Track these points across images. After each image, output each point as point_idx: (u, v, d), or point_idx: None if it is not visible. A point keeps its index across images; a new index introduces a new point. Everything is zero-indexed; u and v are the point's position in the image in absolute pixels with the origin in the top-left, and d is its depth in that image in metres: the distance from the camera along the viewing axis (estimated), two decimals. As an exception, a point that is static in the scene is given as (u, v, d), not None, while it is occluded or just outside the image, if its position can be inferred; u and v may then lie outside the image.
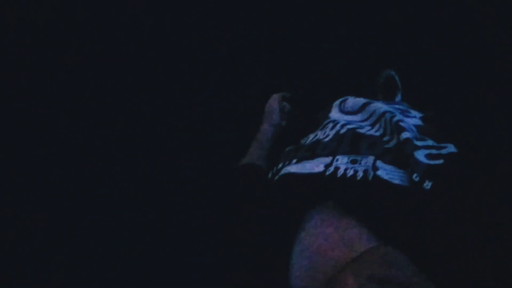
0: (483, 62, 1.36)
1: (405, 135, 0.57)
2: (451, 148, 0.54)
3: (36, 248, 1.46)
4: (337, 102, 0.82)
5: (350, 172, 0.56)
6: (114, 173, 1.50)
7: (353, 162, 0.58)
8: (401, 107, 0.73)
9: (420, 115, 0.72)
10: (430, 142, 0.57)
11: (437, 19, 1.43)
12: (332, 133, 0.68)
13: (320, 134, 0.71)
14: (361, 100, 0.76)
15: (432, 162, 0.51)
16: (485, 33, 1.39)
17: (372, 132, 0.65)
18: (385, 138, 0.62)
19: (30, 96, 1.57)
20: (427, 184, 0.48)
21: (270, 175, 0.69)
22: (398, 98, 1.31)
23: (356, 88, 1.04)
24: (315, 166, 0.60)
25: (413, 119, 0.67)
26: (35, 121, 1.55)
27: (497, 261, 0.38)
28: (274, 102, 0.98)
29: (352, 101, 0.78)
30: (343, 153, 0.60)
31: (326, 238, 0.49)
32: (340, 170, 0.57)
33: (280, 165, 0.69)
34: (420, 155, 0.52)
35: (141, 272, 1.40)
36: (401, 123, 0.60)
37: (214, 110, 1.51)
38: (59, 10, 1.59)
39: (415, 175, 0.49)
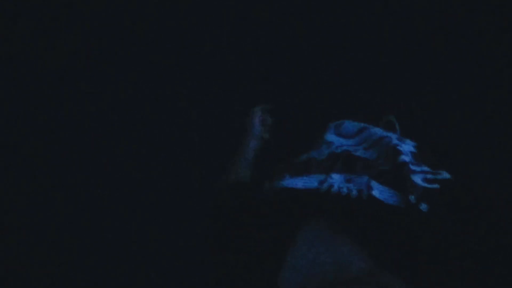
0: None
1: (403, 158, 0.58)
2: (445, 175, 0.55)
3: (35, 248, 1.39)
4: (332, 125, 0.82)
5: (344, 190, 0.55)
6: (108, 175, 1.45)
7: (348, 181, 0.57)
8: (396, 135, 0.74)
9: (414, 144, 0.73)
10: (425, 168, 0.58)
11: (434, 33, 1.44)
12: (326, 152, 0.69)
13: (314, 154, 0.71)
14: (357, 125, 0.78)
15: (428, 185, 0.51)
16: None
17: (366, 155, 0.66)
18: (380, 161, 0.62)
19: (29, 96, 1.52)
20: (424, 207, 0.48)
21: (264, 189, 0.68)
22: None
23: (340, 101, 1.05)
24: (309, 182, 0.60)
25: (408, 146, 0.68)
26: (34, 120, 1.51)
27: (492, 282, 0.37)
28: (255, 115, 0.98)
29: (349, 125, 0.79)
30: (338, 172, 0.60)
31: (318, 255, 0.48)
32: (334, 187, 0.57)
33: (273, 180, 0.68)
34: (417, 178, 0.53)
35: (136, 280, 1.35)
36: (398, 147, 0.61)
37: (197, 122, 1.49)
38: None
39: (412, 197, 0.49)
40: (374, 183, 0.54)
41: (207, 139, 1.46)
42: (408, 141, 0.74)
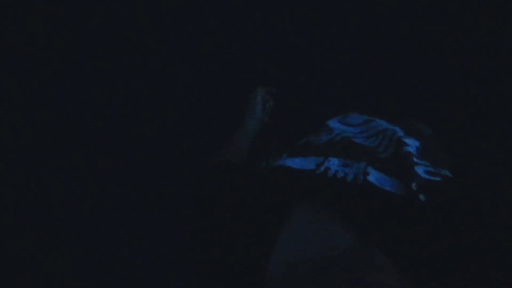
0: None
1: (407, 149, 0.56)
2: (447, 172, 0.53)
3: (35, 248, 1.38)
4: (339, 116, 0.81)
5: (340, 174, 0.54)
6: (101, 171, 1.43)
7: (345, 165, 0.56)
8: (403, 129, 0.72)
9: (420, 142, 0.71)
10: (428, 163, 0.56)
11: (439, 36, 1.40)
12: (326, 138, 0.67)
13: (313, 137, 0.69)
14: (363, 117, 0.76)
15: (430, 177, 0.49)
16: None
17: (366, 143, 0.64)
18: (379, 149, 0.60)
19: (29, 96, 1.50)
20: (422, 196, 0.46)
21: (260, 167, 0.66)
22: None
23: (345, 91, 1.01)
24: (306, 163, 0.58)
25: (414, 141, 0.65)
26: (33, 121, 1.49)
27: (480, 274, 0.36)
28: (257, 96, 0.92)
29: (354, 116, 0.77)
30: (335, 156, 0.58)
31: (309, 235, 0.47)
32: (330, 170, 0.55)
33: (270, 160, 0.66)
34: (419, 170, 0.51)
35: (125, 272, 1.33)
36: (403, 139, 0.59)
37: (196, 102, 1.45)
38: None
39: (414, 184, 0.47)
40: (371, 169, 0.53)
41: (205, 121, 1.43)
42: (414, 138, 0.72)
